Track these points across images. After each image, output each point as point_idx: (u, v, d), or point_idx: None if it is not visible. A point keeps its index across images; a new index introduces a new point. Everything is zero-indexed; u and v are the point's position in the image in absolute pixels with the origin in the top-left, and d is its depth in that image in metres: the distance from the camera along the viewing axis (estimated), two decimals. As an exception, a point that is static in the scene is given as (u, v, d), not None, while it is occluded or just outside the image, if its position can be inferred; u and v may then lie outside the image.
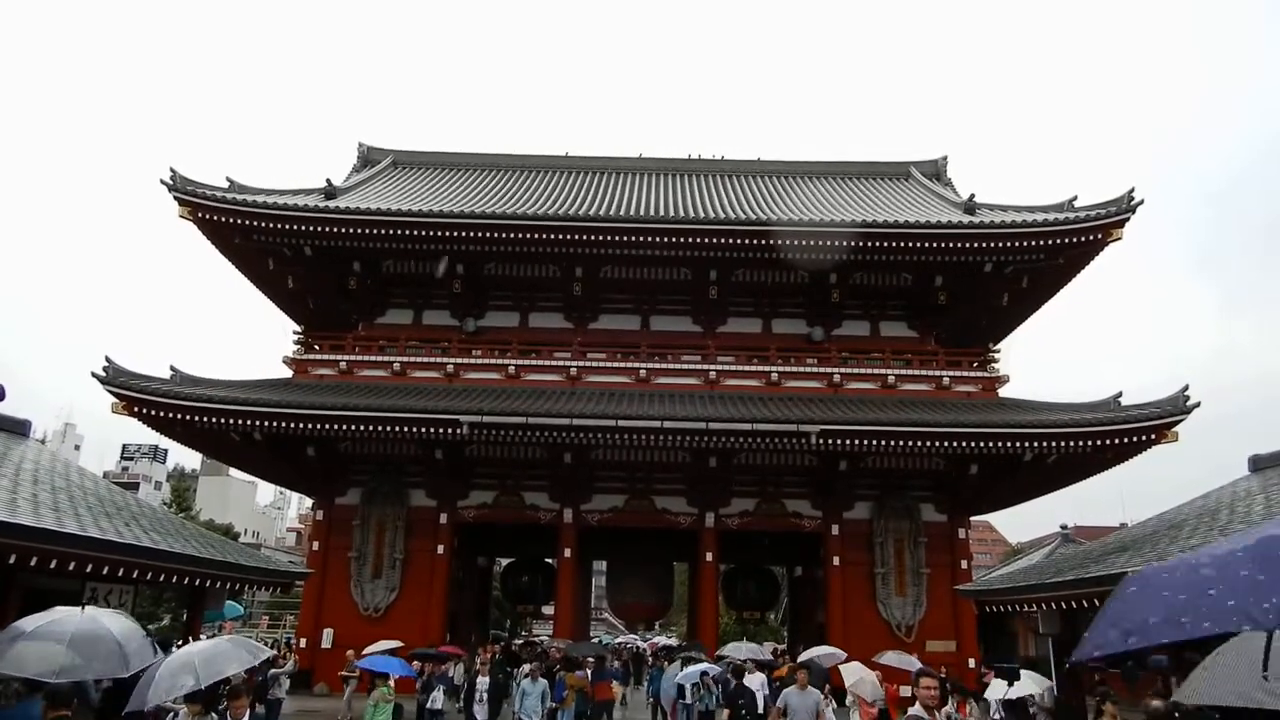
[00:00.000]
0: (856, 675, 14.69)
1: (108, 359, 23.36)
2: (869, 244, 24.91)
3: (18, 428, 14.15)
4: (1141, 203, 24.66)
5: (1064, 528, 34.08)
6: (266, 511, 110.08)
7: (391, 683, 14.86)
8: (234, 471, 60.98)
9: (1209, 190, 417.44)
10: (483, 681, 14.82)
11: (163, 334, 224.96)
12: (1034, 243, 24.80)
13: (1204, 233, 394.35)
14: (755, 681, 16.41)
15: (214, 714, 7.70)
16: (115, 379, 23.11)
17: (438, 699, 15.99)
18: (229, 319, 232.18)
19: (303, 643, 25.03)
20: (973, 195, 27.26)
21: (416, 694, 17.17)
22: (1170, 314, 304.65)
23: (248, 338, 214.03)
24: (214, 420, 23.11)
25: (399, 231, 25.18)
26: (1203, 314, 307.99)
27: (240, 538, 53.88)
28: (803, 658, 19.02)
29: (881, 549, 25.84)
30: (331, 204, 26.17)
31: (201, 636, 15.73)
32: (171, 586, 12.80)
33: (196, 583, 12.77)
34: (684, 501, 26.85)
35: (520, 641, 32.66)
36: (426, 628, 24.75)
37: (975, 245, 24.91)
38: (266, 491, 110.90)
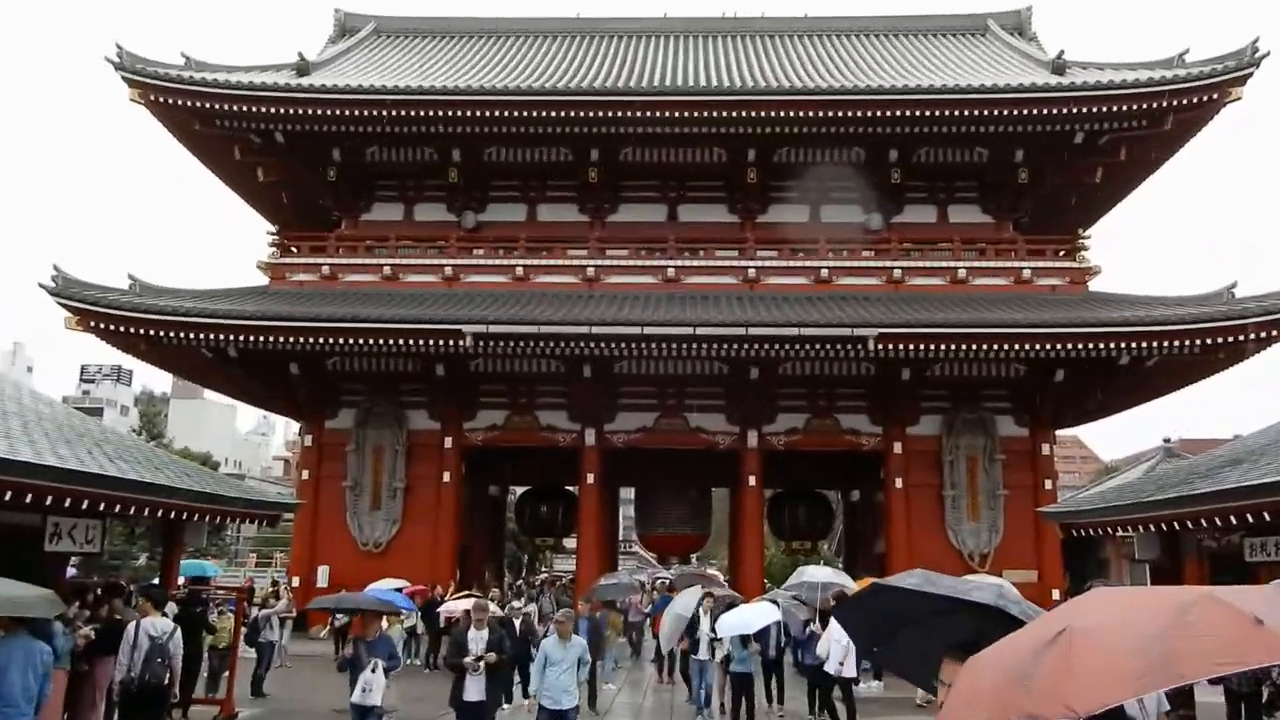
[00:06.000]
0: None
1: (56, 268, 23.52)
2: (937, 113, 24.47)
3: (-40, 346, 14.30)
4: (1267, 55, 23.97)
5: (1166, 441, 34.00)
6: (249, 438, 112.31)
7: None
8: (209, 394, 61.94)
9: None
10: (475, 639, 10.68)
11: (118, 239, 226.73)
12: (1135, 106, 24.16)
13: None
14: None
15: None
16: (67, 290, 23.31)
17: (371, 686, 10.37)
18: (194, 220, 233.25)
19: (296, 581, 25.70)
20: (1061, 52, 26.46)
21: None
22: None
23: (217, 242, 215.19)
24: (182, 335, 23.35)
25: (384, 112, 24.97)
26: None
27: (220, 468, 55.03)
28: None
29: (952, 468, 25.93)
30: (305, 82, 25.83)
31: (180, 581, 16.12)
32: (144, 521, 13.04)
33: (172, 515, 13.00)
34: (722, 419, 26.98)
35: (543, 577, 33.38)
36: (434, 563, 25.28)
37: (1065, 111, 24.36)
38: (248, 416, 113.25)
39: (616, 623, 17.98)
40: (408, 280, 26.95)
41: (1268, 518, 11.26)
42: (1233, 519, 12.03)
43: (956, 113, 24.49)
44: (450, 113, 24.88)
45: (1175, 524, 13.18)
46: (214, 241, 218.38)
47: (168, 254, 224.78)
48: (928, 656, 3.74)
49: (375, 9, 34.36)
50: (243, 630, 16.72)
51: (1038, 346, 22.76)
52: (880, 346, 22.63)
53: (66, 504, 10.69)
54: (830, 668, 14.12)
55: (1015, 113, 24.46)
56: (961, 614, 3.79)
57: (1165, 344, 22.61)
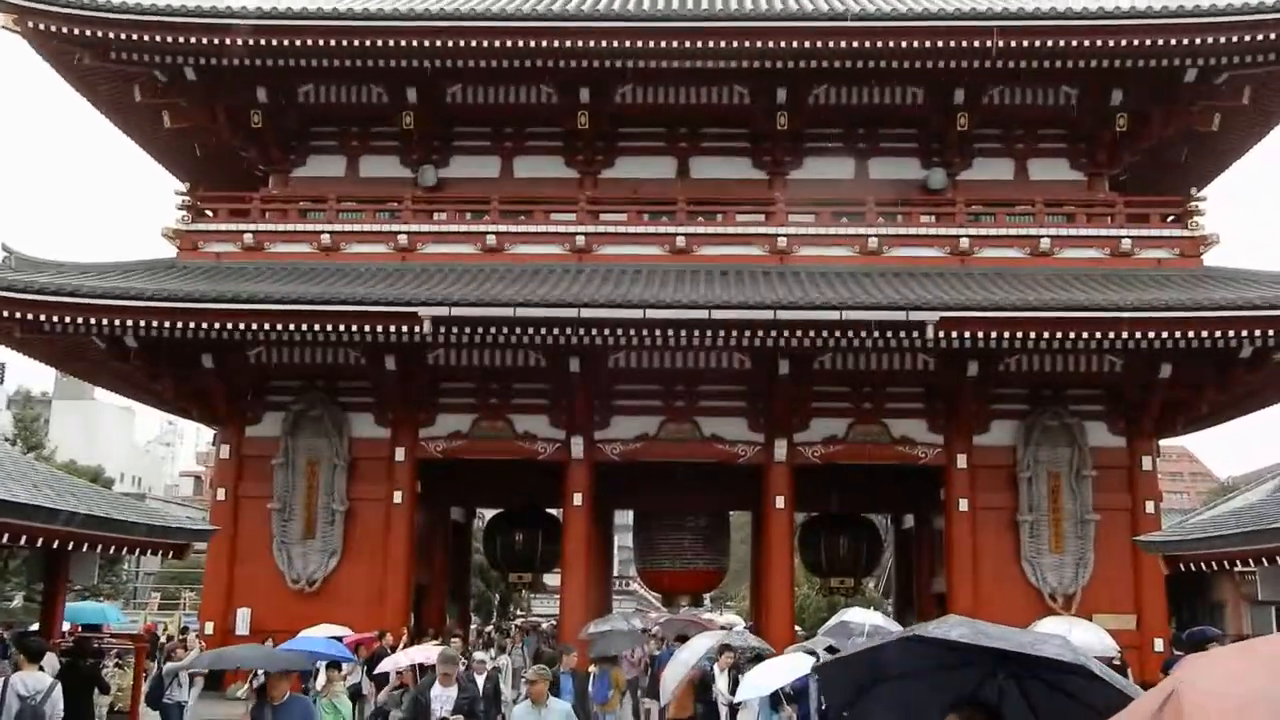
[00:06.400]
0: None
1: (-87, 235, 23.50)
2: (1015, 44, 24.33)
3: None
4: None
5: (1295, 455, 33.99)
6: (150, 449, 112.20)
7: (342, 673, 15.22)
8: (101, 394, 61.91)
9: None
10: (441, 697, 10.87)
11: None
12: (1262, 36, 24.05)
13: None
14: None
15: None
16: (-75, 263, 23.30)
17: None
18: (87, 179, 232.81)
19: (209, 628, 25.71)
20: (1167, -34, 26.44)
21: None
22: None
23: (116, 206, 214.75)
24: (67, 320, 23.22)
25: (321, 42, 24.85)
26: None
27: (115, 485, 55.06)
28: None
29: (1030, 487, 25.87)
30: (220, 4, 25.77)
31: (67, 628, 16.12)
32: (19, 552, 13.03)
33: (55, 545, 12.98)
34: (744, 425, 26.98)
35: (519, 622, 33.43)
36: (383, 605, 25.29)
37: (1175, 41, 24.20)
38: (150, 422, 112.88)
39: (620, 680, 18.04)
40: (351, 251, 26.95)
41: None
42: (1382, 552, 12.04)
43: (1039, 43, 24.36)
44: (405, 42, 24.78)
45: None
46: (112, 205, 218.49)
47: (53, 220, 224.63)
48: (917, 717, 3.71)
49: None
50: (144, 688, 16.72)
51: (1140, 335, 22.65)
52: (942, 334, 22.52)
53: (-77, 531, 10.68)
54: None
55: (1113, 43, 24.35)
56: (966, 668, 3.76)
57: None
